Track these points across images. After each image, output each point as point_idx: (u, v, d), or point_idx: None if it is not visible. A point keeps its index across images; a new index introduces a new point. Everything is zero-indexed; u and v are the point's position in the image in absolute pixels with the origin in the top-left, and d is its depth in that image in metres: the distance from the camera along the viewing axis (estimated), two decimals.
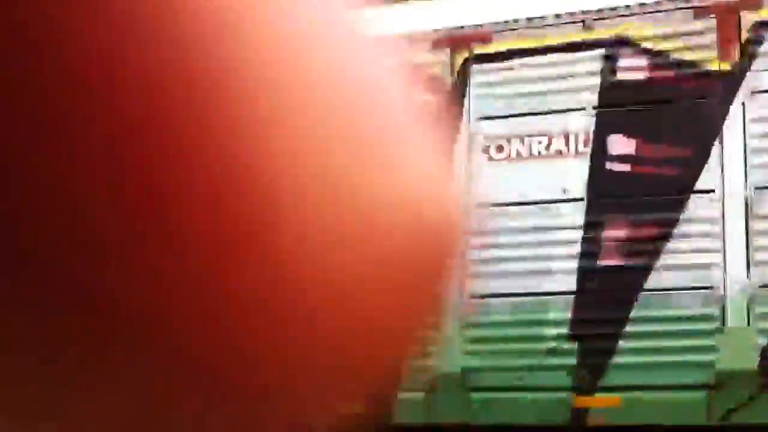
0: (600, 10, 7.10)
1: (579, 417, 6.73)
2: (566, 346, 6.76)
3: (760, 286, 6.36)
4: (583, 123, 6.96)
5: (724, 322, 6.42)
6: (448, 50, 7.45)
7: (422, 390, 7.00)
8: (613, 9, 7.08)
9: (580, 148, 6.95)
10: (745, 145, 6.54)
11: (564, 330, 6.77)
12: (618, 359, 6.65)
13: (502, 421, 6.96)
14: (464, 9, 7.55)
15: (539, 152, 7.03)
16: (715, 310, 6.45)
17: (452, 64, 7.40)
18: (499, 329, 6.92)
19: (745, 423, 6.40)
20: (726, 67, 6.67)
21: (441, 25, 7.51)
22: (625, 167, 6.83)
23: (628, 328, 6.64)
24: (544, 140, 7.03)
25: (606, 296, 6.70)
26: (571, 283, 6.81)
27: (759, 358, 6.30)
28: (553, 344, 6.79)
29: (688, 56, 6.80)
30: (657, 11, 6.95)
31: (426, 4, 7.71)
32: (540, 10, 7.27)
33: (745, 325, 6.37)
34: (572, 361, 6.73)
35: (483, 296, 6.98)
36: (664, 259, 6.62)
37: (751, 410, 6.33)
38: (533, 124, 7.08)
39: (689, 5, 6.87)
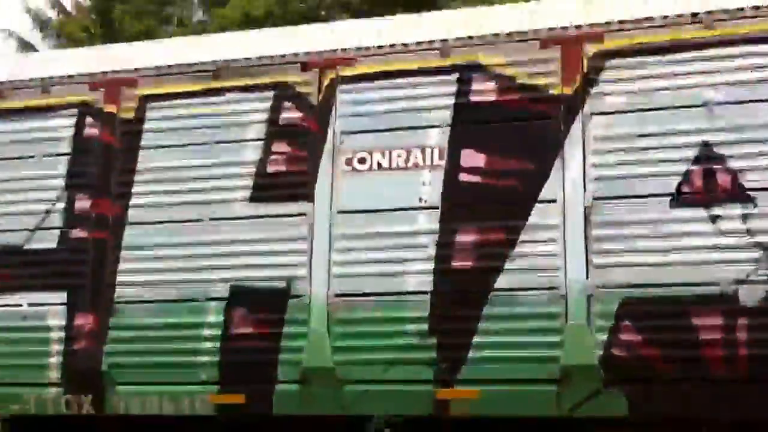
0: (456, 39, 7.81)
1: (441, 408, 7.35)
2: (427, 341, 7.37)
3: (598, 287, 7.10)
4: (439, 139, 7.62)
5: (566, 320, 7.13)
6: (317, 71, 8.02)
7: (298, 383, 7.54)
8: (470, 38, 7.79)
9: (436, 161, 7.60)
10: (584, 160, 7.30)
11: (424, 326, 7.39)
12: (474, 354, 7.29)
13: (371, 412, 7.54)
14: (332, 34, 8.17)
15: (398, 165, 7.66)
16: (558, 309, 7.16)
17: (320, 84, 7.97)
18: (364, 326, 7.50)
19: (593, 415, 7.12)
20: (569, 91, 7.43)
21: (310, 48, 8.10)
22: (477, 179, 7.52)
23: (482, 325, 7.30)
24: (403, 154, 7.66)
25: (460, 296, 7.35)
26: (428, 284, 7.43)
27: (599, 354, 7.03)
28: (414, 340, 7.39)
29: (535, 81, 7.54)
30: (508, 41, 7.69)
31: (297, 30, 8.34)
32: (402, 38, 7.94)
33: (585, 323, 7.09)
34: (433, 355, 7.35)
35: (349, 295, 7.55)
36: (512, 262, 7.31)
37: (597, 403, 7.05)
38: (393, 139, 7.71)
39: (537, 37, 7.63)
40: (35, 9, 28.29)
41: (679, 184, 7.13)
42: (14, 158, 8.63)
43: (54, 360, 8.15)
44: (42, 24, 28.49)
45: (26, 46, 28.02)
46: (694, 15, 7.37)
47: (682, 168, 7.13)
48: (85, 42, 24.62)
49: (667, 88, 7.29)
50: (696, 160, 7.13)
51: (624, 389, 7.01)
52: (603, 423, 7.24)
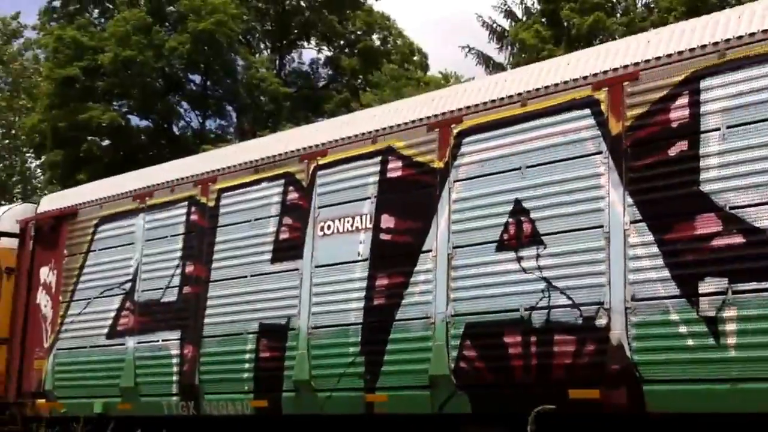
0: (379, 129, 10.41)
1: (369, 408, 10.04)
2: (359, 359, 10.08)
3: (452, 315, 9.40)
4: (369, 207, 10.29)
5: (434, 342, 9.51)
6: (306, 161, 11.03)
7: (293, 391, 10.60)
8: (389, 128, 10.36)
9: (367, 224, 10.28)
10: (449, 217, 9.61)
11: (358, 349, 10.11)
12: (384, 368, 9.89)
13: (332, 412, 10.38)
14: (315, 133, 11.14)
15: (347, 229, 10.43)
16: (429, 333, 9.56)
17: (308, 171, 10.96)
18: (326, 349, 10.38)
19: (451, 412, 9.43)
20: (441, 164, 9.77)
21: (302, 145, 11.12)
22: (389, 236, 10.09)
23: (389, 347, 9.88)
24: (350, 220, 10.42)
25: (378, 325, 9.97)
26: (361, 317, 10.14)
27: (452, 366, 9.33)
28: (352, 359, 10.15)
29: (423, 158, 9.96)
30: (408, 128, 10.17)
31: (294, 132, 11.38)
32: (351, 131, 10.70)
33: (444, 343, 9.42)
34: (363, 369, 10.05)
35: (317, 327, 10.48)
36: (406, 299, 9.81)
37: (454, 403, 9.36)
38: (345, 210, 10.49)
39: (424, 123, 10.04)
40: (489, 22, 30.81)
41: (501, 233, 9.20)
42: (154, 239, 12.52)
43: (174, 378, 11.90)
44: (498, 36, 30.83)
45: (485, 60, 30.78)
46: (512, 96, 9.36)
47: (503, 220, 9.19)
48: (537, 47, 26.99)
49: (497, 157, 9.36)
50: (511, 213, 9.15)
51: (467, 393, 9.25)
52: (470, 419, 9.48)
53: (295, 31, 42.67)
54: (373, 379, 9.95)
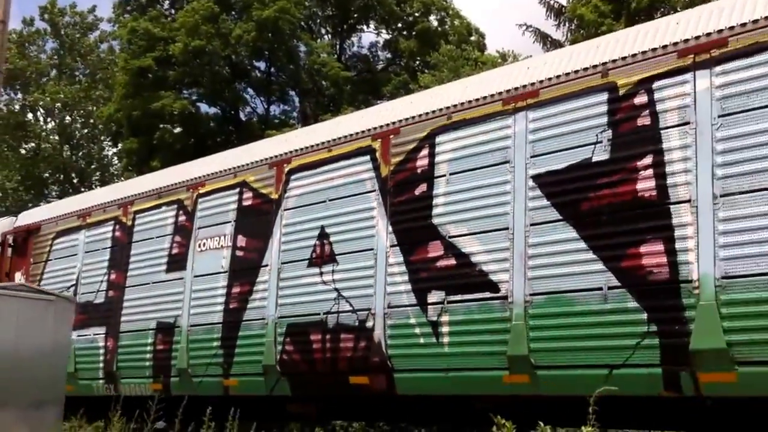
0: (239, 166, 12.92)
1: (226, 391, 12.56)
2: (221, 351, 12.61)
3: (278, 317, 11.87)
4: (230, 230, 12.81)
5: (265, 338, 11.98)
6: (191, 191, 13.56)
7: (177, 376, 13.17)
8: (245, 165, 12.86)
9: (229, 243, 12.80)
10: (280, 239, 12.07)
11: (219, 343, 12.65)
12: (235, 359, 12.40)
13: (202, 393, 12.89)
14: (200, 167, 13.64)
15: (215, 246, 12.98)
16: (264, 332, 12.03)
17: (192, 199, 13.51)
18: (199, 343, 12.92)
19: (278, 394, 11.89)
20: (276, 196, 12.25)
21: (190, 176, 13.64)
22: (242, 253, 12.60)
23: (238, 342, 12.37)
24: (218, 239, 12.96)
25: (233, 324, 12.47)
26: (220, 318, 12.66)
27: (277, 358, 11.78)
28: (217, 351, 12.67)
29: (265, 191, 12.45)
30: (257, 166, 12.65)
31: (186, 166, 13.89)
32: (222, 167, 13.21)
33: (272, 339, 11.89)
34: (221, 360, 12.57)
35: (193, 325, 13.03)
36: (251, 304, 12.29)
37: (280, 387, 11.81)
38: (215, 231, 13.04)
39: (267, 162, 12.52)
40: None
41: (311, 253, 11.64)
42: (90, 251, 15.22)
43: (101, 365, 14.59)
44: (555, 12, 29.64)
45: (543, 38, 29.66)
46: (323, 143, 11.77)
47: (312, 242, 11.64)
48: (596, 22, 25.74)
49: (312, 191, 11.79)
50: (318, 237, 11.60)
51: (288, 379, 11.72)
52: (292, 399, 11.96)
53: (355, 15, 43.20)
54: (228, 368, 12.45)
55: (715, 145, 8.24)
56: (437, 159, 10.44)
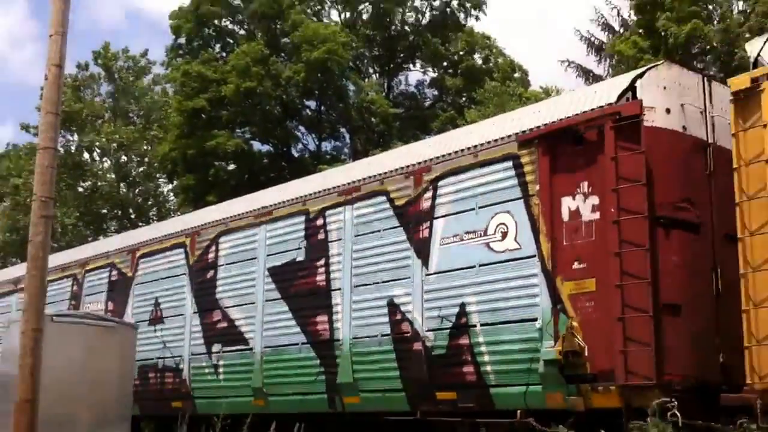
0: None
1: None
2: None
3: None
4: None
5: None
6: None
7: None
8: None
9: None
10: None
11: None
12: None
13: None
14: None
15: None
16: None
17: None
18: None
19: None
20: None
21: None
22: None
23: None
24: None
25: None
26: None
27: None
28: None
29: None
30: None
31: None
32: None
33: None
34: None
35: None
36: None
37: None
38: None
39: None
40: (587, 35, 31.18)
41: (149, 315, 16.62)
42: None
43: None
44: (596, 48, 31.03)
45: (585, 72, 31.07)
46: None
47: (152, 307, 16.63)
48: (636, 57, 26.48)
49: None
50: (154, 305, 16.61)
51: (138, 404, 16.72)
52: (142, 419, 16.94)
53: (401, 54, 44.66)
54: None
55: (353, 253, 13.14)
56: (219, 254, 15.41)
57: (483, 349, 11.13)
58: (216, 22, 41.57)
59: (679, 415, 8.91)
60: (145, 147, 44.65)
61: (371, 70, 45.16)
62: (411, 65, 45.20)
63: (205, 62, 38.81)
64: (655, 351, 9.44)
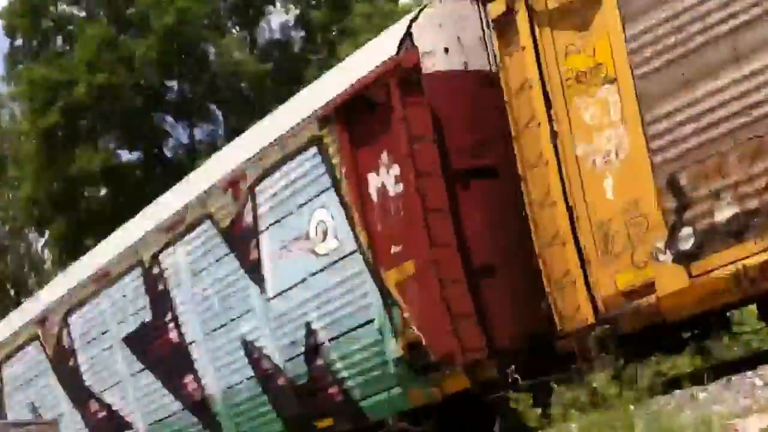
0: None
1: None
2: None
3: None
4: None
5: None
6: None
7: None
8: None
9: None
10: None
11: None
12: None
13: None
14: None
15: None
16: None
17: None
18: None
19: None
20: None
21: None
22: None
23: None
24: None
25: None
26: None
27: None
28: None
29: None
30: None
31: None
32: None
33: None
34: None
35: None
36: None
37: None
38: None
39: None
40: None
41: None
42: None
43: None
44: None
45: None
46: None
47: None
48: None
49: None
50: None
51: None
52: None
53: None
54: None
55: (194, 298, 11.92)
56: (72, 336, 14.08)
57: (339, 365, 10.05)
58: (52, 9, 36.69)
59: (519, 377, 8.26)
60: (6, 194, 39.11)
61: (229, 24, 40.36)
62: (272, 5, 39.85)
63: (50, 62, 34.70)
64: (480, 320, 8.53)
